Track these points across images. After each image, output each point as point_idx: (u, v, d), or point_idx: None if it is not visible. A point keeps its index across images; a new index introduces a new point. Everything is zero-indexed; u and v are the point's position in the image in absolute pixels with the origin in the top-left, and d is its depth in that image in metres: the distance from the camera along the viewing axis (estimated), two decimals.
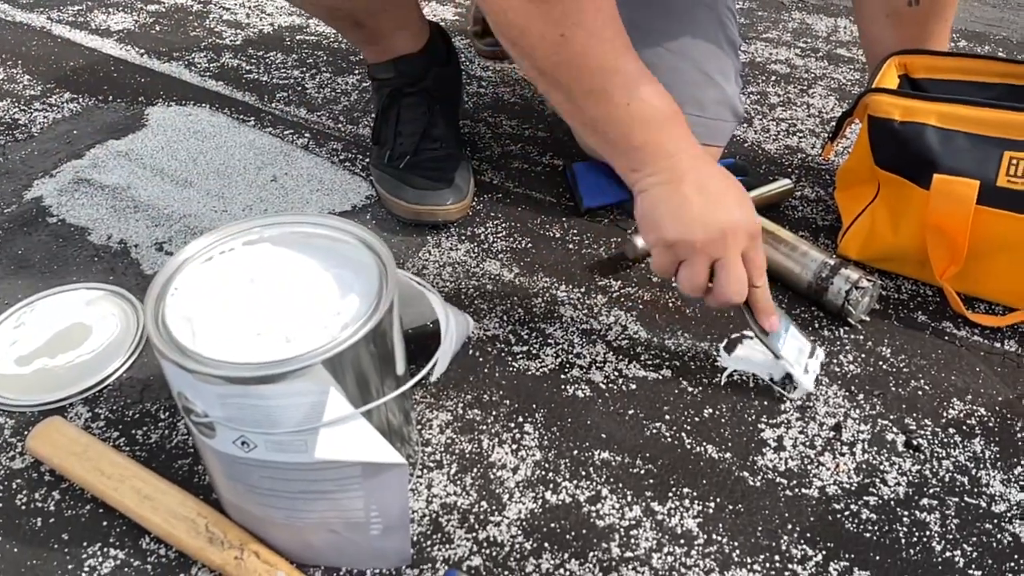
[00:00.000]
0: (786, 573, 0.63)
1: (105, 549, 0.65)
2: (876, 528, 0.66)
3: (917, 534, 0.66)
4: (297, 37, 1.48)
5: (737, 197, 0.71)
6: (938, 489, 0.69)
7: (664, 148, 0.70)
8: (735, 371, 0.79)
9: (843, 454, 0.72)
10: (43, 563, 0.64)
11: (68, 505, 0.68)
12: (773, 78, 1.33)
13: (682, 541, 0.65)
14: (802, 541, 0.65)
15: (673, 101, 0.72)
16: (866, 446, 0.73)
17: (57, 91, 1.30)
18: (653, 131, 0.71)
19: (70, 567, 0.64)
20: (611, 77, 0.69)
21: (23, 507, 0.68)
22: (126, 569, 0.63)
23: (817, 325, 0.85)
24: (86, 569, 0.63)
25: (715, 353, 0.81)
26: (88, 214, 1.02)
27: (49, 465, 0.70)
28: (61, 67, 1.37)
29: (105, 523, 0.67)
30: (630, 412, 0.76)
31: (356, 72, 1.35)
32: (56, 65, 1.37)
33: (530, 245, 0.97)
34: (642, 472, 0.70)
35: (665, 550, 0.65)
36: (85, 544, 0.65)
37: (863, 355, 0.82)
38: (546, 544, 0.65)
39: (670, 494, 0.69)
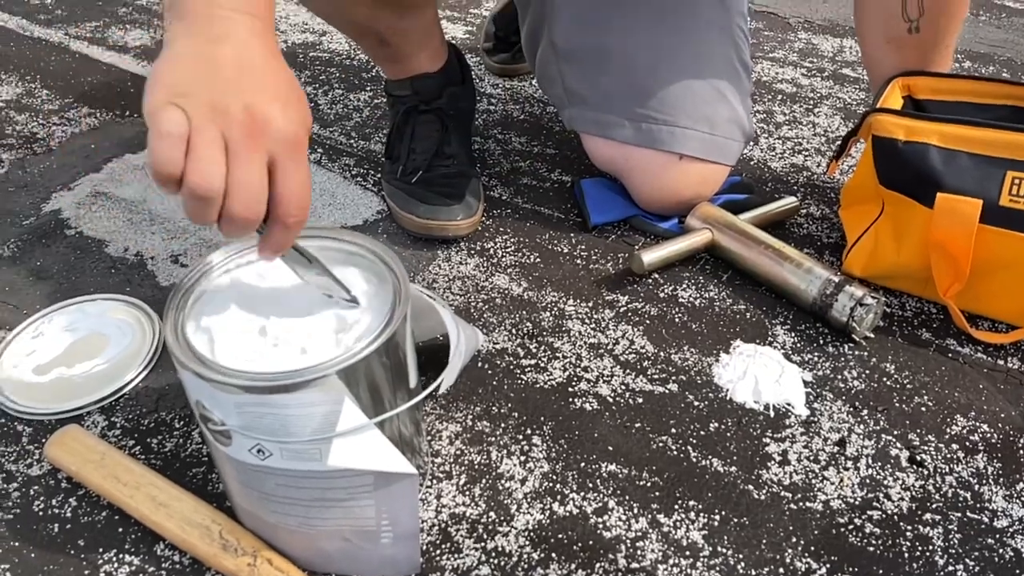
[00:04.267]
0: None
1: (120, 555, 0.66)
2: (880, 542, 0.67)
3: (920, 548, 0.67)
4: (311, 54, 1.50)
5: (287, 89, 0.55)
6: (941, 504, 0.70)
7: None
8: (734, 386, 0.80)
9: (847, 469, 0.73)
10: (60, 568, 0.65)
11: (84, 512, 0.69)
12: (779, 97, 1.35)
13: (688, 553, 0.66)
14: (806, 554, 0.66)
15: None
16: (870, 461, 0.74)
17: (75, 106, 1.32)
18: None
19: (86, 573, 0.65)
20: None
21: (40, 513, 0.69)
22: (141, 575, 0.65)
23: (822, 341, 0.86)
24: (102, 574, 0.65)
25: (712, 372, 0.82)
26: (105, 227, 1.04)
27: (66, 472, 0.71)
28: (79, 82, 1.39)
29: (121, 529, 0.68)
30: (637, 425, 0.77)
31: (368, 88, 1.37)
32: (74, 80, 1.40)
33: (538, 260, 0.98)
34: (648, 484, 0.72)
35: (671, 562, 0.65)
36: (101, 550, 0.66)
37: (867, 371, 0.83)
38: (553, 555, 0.66)
39: (676, 506, 0.70)
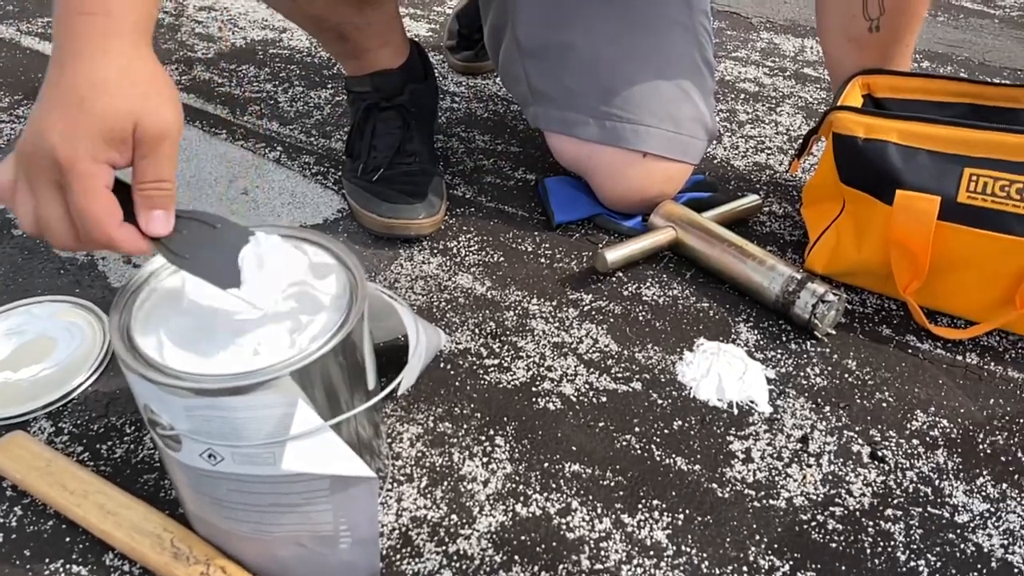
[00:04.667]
0: None
1: (68, 566, 0.64)
2: (842, 538, 0.67)
3: (882, 544, 0.67)
4: (270, 51, 1.47)
5: (148, 90, 0.53)
6: (903, 500, 0.70)
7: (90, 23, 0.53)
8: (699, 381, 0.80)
9: (810, 465, 0.73)
10: None
11: (30, 521, 0.67)
12: (742, 96, 1.36)
13: (651, 553, 0.66)
14: (770, 552, 0.66)
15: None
16: (832, 457, 0.74)
17: (25, 103, 1.28)
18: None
19: None
20: None
21: None
22: None
23: (784, 338, 0.86)
24: None
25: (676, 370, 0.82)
26: None
27: (11, 480, 0.68)
28: (29, 78, 1.35)
29: (68, 539, 0.65)
30: (600, 425, 0.76)
31: (329, 86, 1.35)
32: (25, 77, 1.36)
33: (502, 259, 0.97)
34: (612, 484, 0.71)
35: (635, 562, 0.65)
36: (48, 560, 0.64)
37: (829, 368, 0.83)
38: (516, 557, 0.65)
39: (640, 506, 0.69)
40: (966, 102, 0.91)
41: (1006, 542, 0.67)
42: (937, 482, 0.72)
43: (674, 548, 0.66)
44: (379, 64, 1.00)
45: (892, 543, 0.67)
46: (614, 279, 0.94)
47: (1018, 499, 0.70)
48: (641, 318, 0.89)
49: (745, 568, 0.65)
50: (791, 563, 0.65)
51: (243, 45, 1.49)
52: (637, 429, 0.76)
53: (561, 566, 0.64)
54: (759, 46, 1.55)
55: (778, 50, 1.53)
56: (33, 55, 1.43)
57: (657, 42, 0.99)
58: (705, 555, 0.65)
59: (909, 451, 0.75)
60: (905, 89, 0.93)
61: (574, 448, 0.74)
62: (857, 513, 0.69)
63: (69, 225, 0.53)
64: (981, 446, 0.75)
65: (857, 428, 0.77)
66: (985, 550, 0.66)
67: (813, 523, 0.68)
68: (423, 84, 1.06)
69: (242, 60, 1.44)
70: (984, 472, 0.73)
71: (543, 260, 0.97)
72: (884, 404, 0.79)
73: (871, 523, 0.68)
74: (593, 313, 0.89)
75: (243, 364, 0.53)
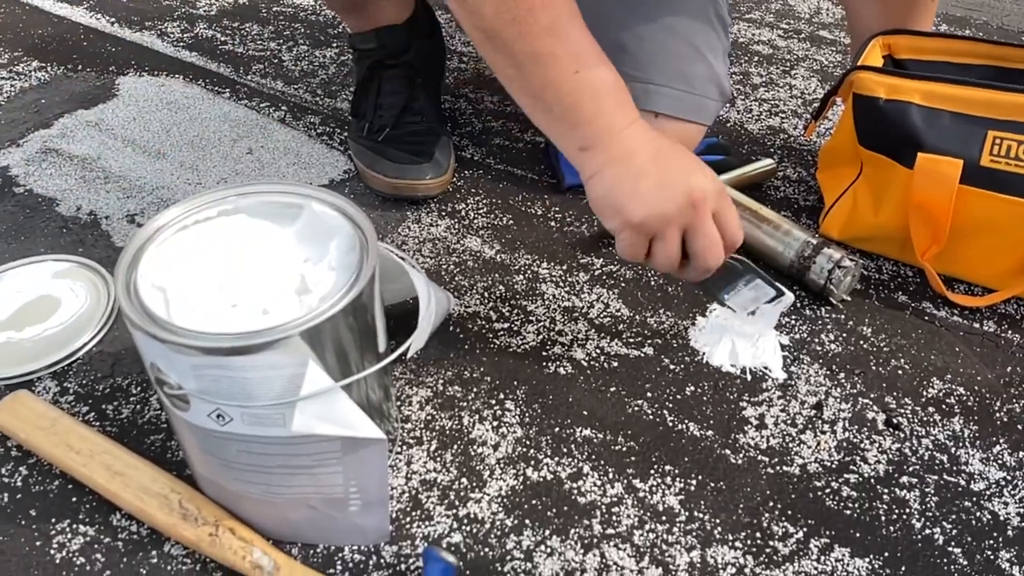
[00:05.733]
0: (767, 550, 0.63)
1: (75, 526, 0.63)
2: (856, 505, 0.66)
3: (897, 511, 0.66)
4: (274, 8, 1.44)
5: (693, 160, 0.69)
6: (918, 467, 0.69)
7: (614, 122, 0.67)
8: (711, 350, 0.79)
9: (824, 432, 0.72)
10: (10, 540, 0.62)
11: (36, 481, 0.66)
12: (756, 59, 1.33)
13: (664, 518, 0.65)
14: (783, 518, 0.65)
15: (618, 74, 0.68)
16: (847, 424, 0.73)
17: (25, 59, 1.26)
18: (604, 102, 0.67)
19: (38, 543, 0.62)
20: (560, 41, 0.65)
21: None
22: (96, 546, 0.62)
23: (799, 304, 0.85)
24: (55, 546, 0.62)
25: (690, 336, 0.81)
26: (56, 184, 0.99)
27: (15, 440, 0.68)
28: (29, 35, 1.33)
29: (75, 499, 0.65)
30: (612, 389, 0.75)
31: (334, 45, 1.33)
32: (24, 33, 1.33)
33: (511, 222, 0.95)
34: (624, 449, 0.70)
35: (647, 527, 0.64)
36: (54, 520, 0.63)
37: (844, 334, 0.82)
38: (527, 521, 0.64)
39: (652, 471, 0.68)
40: (990, 64, 0.89)
41: (1022, 510, 0.66)
42: (953, 450, 0.71)
43: (687, 514, 0.65)
44: (383, 19, 0.98)
45: (907, 511, 0.66)
46: None
47: None
48: (653, 283, 0.87)
49: (758, 534, 0.64)
50: (805, 529, 0.64)
51: (246, 2, 1.46)
52: (649, 394, 0.75)
53: (573, 530, 0.64)
54: (774, 7, 1.51)
55: (793, 12, 1.49)
56: (32, 11, 1.40)
57: None
58: (718, 521, 0.65)
59: (925, 418, 0.74)
60: (927, 50, 0.90)
61: (585, 413, 0.73)
62: (872, 480, 0.68)
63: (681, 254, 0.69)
64: (998, 414, 0.74)
65: (872, 395, 0.76)
66: (1001, 518, 0.66)
67: (827, 490, 0.67)
68: (429, 41, 1.03)
69: (245, 18, 1.41)
70: (1001, 440, 0.72)
71: (553, 224, 0.95)
72: (900, 371, 0.78)
73: (886, 490, 0.67)
74: (604, 277, 0.88)
75: (252, 323, 0.52)
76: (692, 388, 0.76)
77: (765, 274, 0.79)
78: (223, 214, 0.61)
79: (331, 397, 0.53)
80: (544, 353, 0.79)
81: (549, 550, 0.62)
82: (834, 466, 0.69)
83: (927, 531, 0.65)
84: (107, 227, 0.93)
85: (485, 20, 0.65)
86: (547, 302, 0.84)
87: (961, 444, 0.71)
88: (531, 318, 0.82)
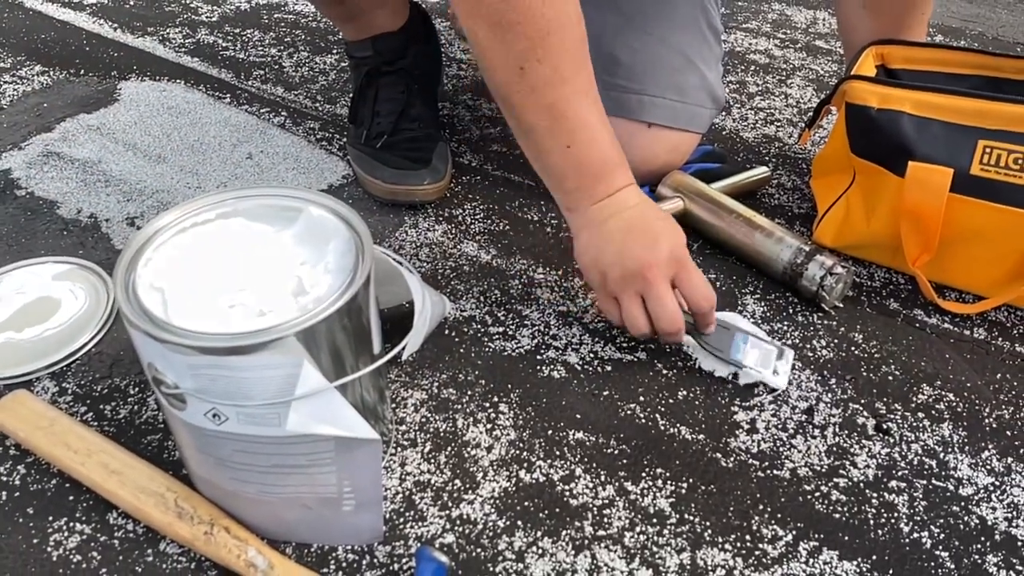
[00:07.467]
0: (757, 552, 0.64)
1: (71, 524, 0.64)
2: (846, 509, 0.67)
3: (885, 515, 0.67)
4: (275, 15, 1.46)
5: (660, 230, 0.73)
6: (907, 472, 0.70)
7: (594, 194, 0.73)
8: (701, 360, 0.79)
9: (815, 437, 0.73)
10: (8, 537, 0.63)
11: (34, 479, 0.67)
12: (752, 68, 1.34)
13: (655, 520, 0.65)
14: (773, 521, 0.66)
15: (618, 146, 0.74)
16: (837, 429, 0.74)
17: (27, 63, 1.27)
18: (587, 178, 0.73)
19: (35, 541, 0.62)
20: (557, 119, 0.70)
21: None
22: (92, 544, 0.62)
23: (791, 311, 0.86)
24: (51, 544, 0.62)
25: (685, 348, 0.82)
26: (58, 188, 1.00)
27: (14, 439, 0.68)
28: (32, 39, 1.34)
29: (71, 498, 0.65)
30: (605, 393, 0.76)
31: (334, 51, 1.34)
32: (27, 37, 1.34)
33: (508, 227, 0.96)
34: (616, 452, 0.71)
35: (638, 529, 0.65)
36: (51, 518, 0.64)
37: (836, 340, 0.82)
38: (519, 522, 0.65)
39: (643, 474, 0.69)
40: (982, 74, 0.90)
41: (1010, 515, 0.67)
42: (942, 455, 0.72)
43: (677, 516, 0.66)
44: (378, 27, 0.99)
45: (896, 515, 0.67)
46: None
47: (1023, 473, 0.70)
48: None
49: (748, 537, 0.65)
50: (794, 532, 0.65)
51: (247, 9, 1.48)
52: (642, 398, 0.76)
53: (564, 532, 0.64)
54: (770, 17, 1.53)
55: (790, 22, 1.51)
56: (35, 16, 1.42)
57: (661, 10, 0.97)
58: (708, 523, 0.65)
59: (914, 424, 0.74)
60: (920, 60, 0.91)
61: (578, 416, 0.74)
62: (861, 484, 0.69)
63: (646, 319, 0.73)
64: (987, 420, 0.75)
65: (863, 400, 0.76)
66: (989, 523, 0.66)
67: (817, 493, 0.68)
68: (426, 47, 1.04)
69: (247, 24, 1.42)
70: (989, 446, 0.73)
71: (549, 229, 0.96)
72: (890, 377, 0.79)
73: (875, 494, 0.68)
74: None
75: (248, 324, 0.53)
76: (684, 392, 0.76)
77: (756, 331, 0.81)
78: (221, 217, 0.62)
79: (326, 397, 0.53)
80: (538, 357, 0.79)
81: (541, 551, 0.63)
82: (824, 470, 0.70)
83: (915, 535, 0.65)
84: (107, 230, 0.94)
85: (496, 85, 0.71)
86: (542, 306, 0.85)
87: (950, 449, 0.72)
88: (526, 322, 0.83)
